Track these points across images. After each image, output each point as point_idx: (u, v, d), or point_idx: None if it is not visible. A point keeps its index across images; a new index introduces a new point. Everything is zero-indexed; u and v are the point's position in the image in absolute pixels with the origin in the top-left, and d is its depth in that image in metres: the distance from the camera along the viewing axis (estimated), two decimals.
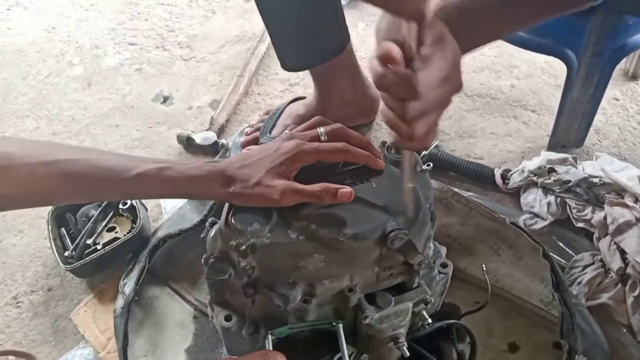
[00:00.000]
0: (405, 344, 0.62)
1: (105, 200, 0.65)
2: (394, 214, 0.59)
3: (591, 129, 1.08)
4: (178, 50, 1.41)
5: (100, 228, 0.95)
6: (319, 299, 0.60)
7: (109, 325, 0.87)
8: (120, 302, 0.86)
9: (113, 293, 0.90)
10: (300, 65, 1.02)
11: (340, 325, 0.62)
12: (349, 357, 0.61)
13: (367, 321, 0.60)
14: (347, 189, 0.58)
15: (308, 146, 0.60)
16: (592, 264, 0.89)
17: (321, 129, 0.63)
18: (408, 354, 0.62)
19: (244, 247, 0.56)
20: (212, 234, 0.62)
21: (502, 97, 1.22)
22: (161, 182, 0.59)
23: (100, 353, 0.86)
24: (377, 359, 0.67)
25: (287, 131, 0.66)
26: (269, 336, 0.62)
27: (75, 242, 0.93)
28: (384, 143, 0.73)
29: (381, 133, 1.16)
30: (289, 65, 1.01)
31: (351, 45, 1.01)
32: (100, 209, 0.97)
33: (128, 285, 0.88)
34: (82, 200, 0.63)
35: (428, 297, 0.64)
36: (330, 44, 0.98)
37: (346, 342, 0.62)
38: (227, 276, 0.58)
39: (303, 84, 1.28)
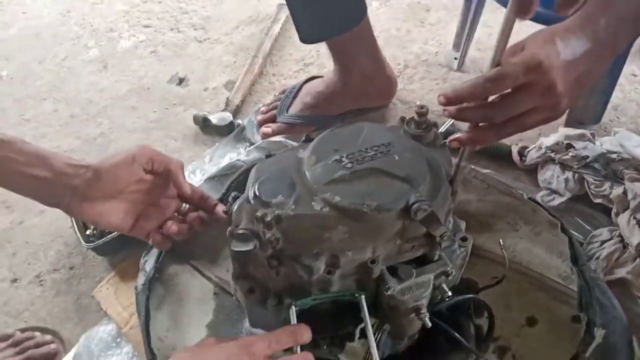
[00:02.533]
0: (427, 314, 0.62)
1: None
2: (417, 186, 0.59)
3: (609, 106, 1.07)
4: (192, 32, 1.41)
5: None
6: (342, 270, 0.61)
7: (131, 301, 0.88)
8: (141, 278, 0.87)
9: (134, 271, 0.91)
10: (319, 36, 1.01)
11: (363, 296, 0.63)
12: (372, 327, 0.62)
13: (389, 292, 0.61)
14: None
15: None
16: (611, 239, 0.90)
17: None
18: (430, 324, 0.62)
19: (269, 219, 0.56)
20: (236, 207, 0.62)
21: None
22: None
23: (123, 329, 0.88)
24: (399, 330, 0.68)
25: None
26: (293, 307, 0.63)
27: None
28: (403, 118, 0.73)
29: (396, 112, 1.16)
30: (307, 37, 1.01)
31: (369, 20, 1.01)
32: None
33: (149, 262, 0.88)
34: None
35: (449, 269, 0.64)
36: (349, 12, 0.97)
37: (368, 314, 0.62)
38: (252, 247, 0.59)
39: (317, 63, 1.28)
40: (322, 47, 1.29)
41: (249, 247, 0.59)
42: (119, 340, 0.87)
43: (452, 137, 0.61)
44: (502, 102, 0.57)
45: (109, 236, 0.92)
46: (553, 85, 0.55)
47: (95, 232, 0.94)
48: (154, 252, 0.89)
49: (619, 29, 0.58)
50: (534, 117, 0.58)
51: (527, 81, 0.54)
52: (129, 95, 1.27)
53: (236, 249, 0.60)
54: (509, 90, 0.56)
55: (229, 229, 0.62)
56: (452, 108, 0.57)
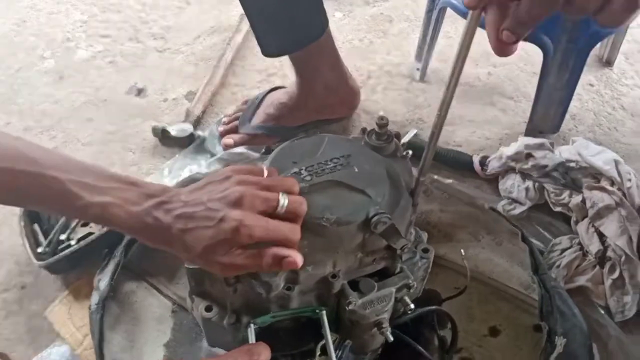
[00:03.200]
0: (389, 329, 0.61)
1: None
2: (376, 198, 0.58)
3: (567, 115, 1.09)
4: (152, 42, 1.38)
5: (74, 223, 0.93)
6: (302, 286, 0.59)
7: (84, 321, 0.85)
8: (95, 297, 0.84)
9: (88, 289, 0.88)
10: (281, 50, 1.01)
11: (324, 312, 0.61)
12: (333, 343, 0.60)
13: (350, 307, 0.60)
14: (293, 258, 0.52)
15: (253, 229, 0.51)
16: (570, 247, 0.91)
17: (283, 200, 0.53)
18: (392, 338, 0.61)
19: None
20: None
21: (480, 85, 1.23)
22: (102, 221, 0.55)
23: (77, 350, 0.84)
24: (361, 345, 0.66)
25: (236, 176, 0.55)
26: (252, 325, 0.61)
27: (49, 238, 0.91)
28: (364, 130, 0.72)
29: (359, 122, 1.16)
30: (269, 50, 1.00)
31: (330, 32, 1.00)
32: None
33: (103, 280, 0.86)
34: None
35: (411, 282, 0.64)
36: (310, 27, 0.97)
37: (329, 329, 0.61)
38: None
39: (280, 74, 1.27)
40: (285, 58, 1.28)
41: None
42: None
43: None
44: None
45: (61, 254, 0.88)
46: None
47: (47, 249, 0.89)
48: (109, 269, 0.86)
49: None
50: None
51: None
52: (85, 106, 1.23)
53: (190, 266, 0.58)
54: None
55: None
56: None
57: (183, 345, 0.83)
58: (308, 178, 0.59)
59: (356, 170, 0.61)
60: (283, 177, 0.58)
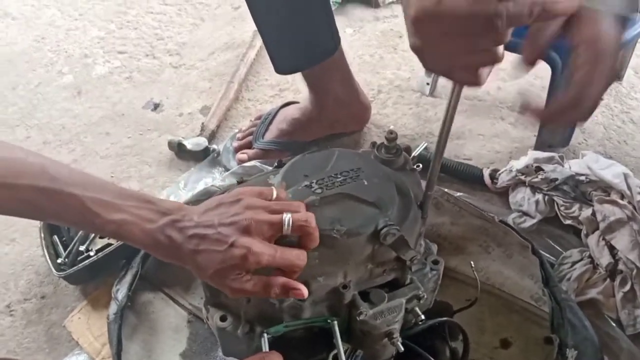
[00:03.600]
0: (400, 339, 0.63)
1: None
2: (386, 210, 0.60)
3: (577, 129, 1.10)
4: (167, 58, 1.42)
5: (93, 235, 0.95)
6: (313, 296, 0.61)
7: (103, 331, 0.87)
8: (113, 307, 0.86)
9: (107, 300, 0.90)
10: (294, 67, 1.03)
11: (335, 322, 0.63)
12: (345, 353, 0.62)
13: (361, 317, 0.61)
14: (300, 290, 0.55)
15: (261, 256, 0.53)
16: (581, 260, 0.91)
17: (287, 219, 0.54)
18: (402, 348, 0.62)
19: None
20: None
21: (489, 99, 1.24)
22: (118, 237, 0.59)
23: (96, 359, 0.86)
24: (372, 355, 0.68)
25: (246, 200, 0.57)
26: (265, 335, 0.62)
27: (68, 249, 0.93)
28: (373, 144, 0.74)
29: (370, 136, 1.18)
30: (281, 68, 1.02)
31: (342, 48, 1.03)
32: None
33: (120, 291, 0.87)
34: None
35: (421, 293, 0.65)
36: (322, 45, 0.99)
37: (341, 339, 0.62)
38: None
39: (293, 89, 1.29)
40: (297, 73, 1.31)
41: None
42: None
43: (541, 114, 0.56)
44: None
45: (80, 264, 0.90)
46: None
47: (66, 260, 0.92)
48: (127, 280, 0.88)
49: None
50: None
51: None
52: (102, 121, 1.27)
53: None
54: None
55: None
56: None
57: (199, 355, 0.85)
58: (319, 191, 0.61)
59: (366, 183, 0.62)
60: (290, 201, 0.60)
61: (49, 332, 0.91)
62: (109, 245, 0.93)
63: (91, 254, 0.92)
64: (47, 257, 0.92)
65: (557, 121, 0.60)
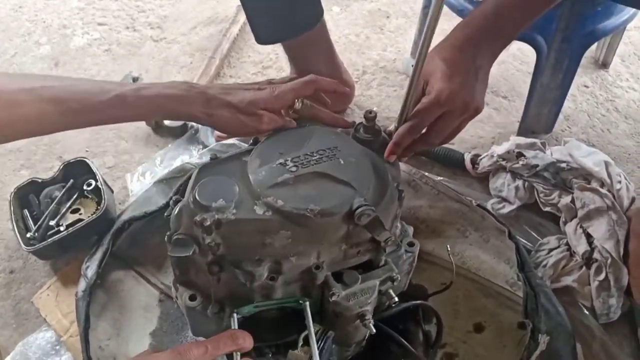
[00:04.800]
0: (372, 321, 0.62)
1: (83, 126, 0.66)
2: (361, 190, 0.58)
3: (560, 116, 1.09)
4: (148, 31, 1.38)
5: (64, 209, 0.93)
6: (285, 276, 0.59)
7: (71, 308, 0.85)
8: (82, 284, 0.84)
9: (76, 276, 0.87)
10: (275, 37, 1.00)
11: (307, 303, 0.61)
12: (316, 334, 0.61)
13: (333, 298, 0.60)
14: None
15: (284, 87, 0.65)
16: (558, 247, 0.91)
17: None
18: (374, 330, 0.62)
19: (208, 223, 0.54)
20: (176, 211, 0.60)
21: None
22: (140, 101, 0.60)
23: (63, 337, 0.84)
24: (344, 337, 0.67)
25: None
26: (235, 315, 0.61)
27: (38, 224, 0.91)
28: (352, 123, 0.73)
29: (353, 117, 1.16)
30: (262, 37, 0.99)
31: (325, 24, 1.00)
32: (64, 190, 0.95)
33: (90, 268, 0.85)
34: (64, 127, 0.64)
35: (395, 275, 0.64)
36: (305, 15, 0.96)
37: (312, 320, 0.61)
38: (191, 253, 0.57)
39: (276, 67, 1.27)
40: (281, 51, 1.28)
41: (187, 252, 0.57)
42: (58, 347, 0.84)
43: (387, 152, 0.70)
44: (432, 131, 0.71)
45: (50, 239, 0.88)
46: (465, 103, 0.69)
47: (36, 234, 0.90)
48: (97, 257, 0.86)
49: (496, 44, 0.72)
50: (462, 125, 0.73)
51: (445, 111, 0.69)
52: None
53: (174, 255, 0.58)
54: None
55: (168, 233, 0.60)
56: (399, 154, 0.71)
57: (169, 335, 0.83)
58: (293, 169, 0.60)
59: (342, 162, 0.61)
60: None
61: (17, 307, 0.89)
62: (80, 220, 0.91)
63: (61, 229, 0.90)
64: (17, 231, 0.90)
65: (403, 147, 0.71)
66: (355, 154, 0.63)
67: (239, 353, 0.57)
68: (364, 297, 0.62)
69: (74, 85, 0.62)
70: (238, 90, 0.65)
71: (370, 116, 0.68)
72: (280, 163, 0.60)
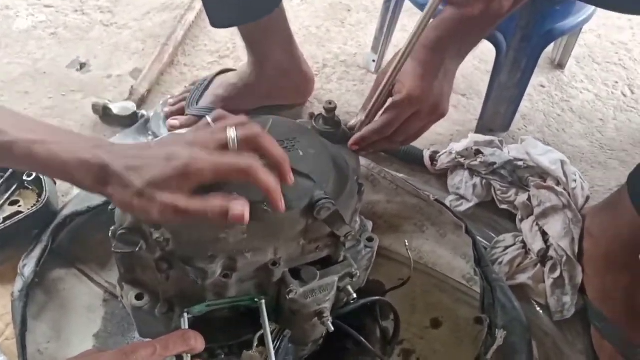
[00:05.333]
0: (330, 318, 0.59)
1: None
2: (321, 183, 0.56)
3: (517, 115, 1.11)
4: (98, 15, 1.31)
5: (2, 201, 0.87)
6: (240, 273, 0.56)
7: (7, 310, 0.79)
8: (18, 284, 0.78)
9: (12, 276, 0.81)
10: (230, 21, 0.96)
11: (263, 301, 0.59)
12: (272, 334, 0.58)
13: (291, 296, 0.57)
14: (239, 210, 0.47)
15: (204, 163, 0.47)
16: (514, 244, 0.91)
17: (231, 133, 0.48)
18: (332, 328, 0.59)
19: None
20: None
21: None
22: (28, 159, 0.49)
23: None
24: (301, 336, 0.64)
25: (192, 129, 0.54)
26: (185, 315, 0.58)
27: None
28: (311, 114, 0.70)
29: (312, 111, 1.13)
30: (217, 21, 0.95)
31: (285, 11, 0.97)
32: (2, 180, 0.88)
33: (28, 266, 0.80)
34: None
35: (354, 270, 0.62)
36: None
37: (269, 319, 0.58)
38: (137, 249, 0.53)
39: (233, 56, 1.23)
40: (239, 40, 1.24)
41: (133, 248, 0.53)
42: None
43: (352, 141, 0.69)
44: (399, 131, 0.72)
45: None
46: (435, 104, 0.71)
47: None
48: (35, 254, 0.81)
49: (464, 46, 0.74)
50: (428, 126, 0.75)
51: (415, 111, 0.70)
52: (22, 78, 1.15)
53: (119, 251, 0.54)
54: None
55: (112, 228, 0.56)
56: (362, 149, 0.71)
57: (114, 336, 0.79)
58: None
59: (301, 153, 0.58)
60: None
61: None
62: (18, 213, 0.84)
63: None
64: None
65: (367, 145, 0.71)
66: (314, 145, 0.60)
67: (189, 355, 0.54)
68: (323, 294, 0.60)
69: None
70: (145, 167, 0.48)
71: (330, 107, 0.66)
72: None
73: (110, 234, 0.56)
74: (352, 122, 0.72)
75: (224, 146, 0.48)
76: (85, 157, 0.48)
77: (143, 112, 1.06)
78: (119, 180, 0.47)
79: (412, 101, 0.69)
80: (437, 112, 0.73)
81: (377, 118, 0.72)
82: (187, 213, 0.47)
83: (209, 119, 0.53)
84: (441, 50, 0.70)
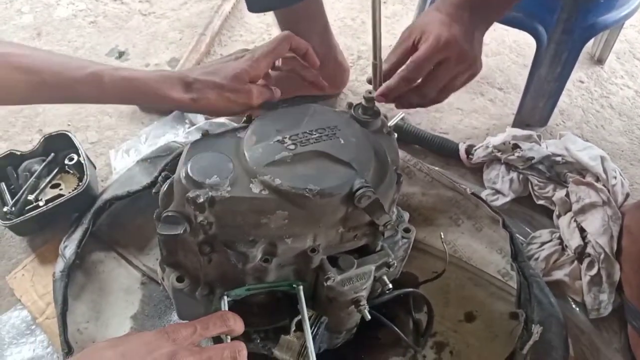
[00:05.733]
0: (367, 307, 0.60)
1: (56, 102, 0.64)
2: (362, 172, 0.56)
3: (555, 110, 1.08)
4: (137, 5, 1.33)
5: (44, 184, 0.89)
6: (280, 258, 0.57)
7: (48, 290, 0.81)
8: (60, 265, 0.80)
9: (54, 256, 0.84)
10: (267, 5, 0.96)
11: (301, 287, 0.59)
12: (309, 319, 0.58)
13: (328, 283, 0.58)
14: None
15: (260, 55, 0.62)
16: (550, 240, 0.90)
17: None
18: (369, 317, 0.60)
19: (201, 201, 0.51)
20: (165, 188, 0.57)
21: None
22: (117, 83, 0.56)
23: (39, 318, 0.80)
24: (337, 323, 0.65)
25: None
26: (225, 297, 0.58)
27: (16, 198, 0.87)
28: (350, 104, 0.70)
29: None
30: (254, 5, 0.95)
31: (322, 1, 0.97)
32: (44, 163, 0.91)
33: (69, 247, 0.82)
34: (34, 100, 0.61)
35: (391, 260, 0.62)
36: None
37: (305, 305, 0.59)
38: (181, 231, 0.54)
39: None
40: (274, 31, 1.25)
41: (177, 230, 0.54)
42: (33, 327, 0.80)
43: (379, 91, 0.69)
44: (429, 81, 0.69)
45: (28, 215, 0.84)
46: (463, 52, 0.67)
47: (13, 209, 0.85)
48: (76, 236, 0.83)
49: (490, 13, 0.72)
50: (459, 80, 0.71)
51: (443, 57, 0.67)
52: None
53: (163, 233, 0.55)
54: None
55: (157, 211, 0.57)
56: (390, 99, 0.69)
57: (151, 319, 0.81)
58: (292, 147, 0.57)
59: (342, 142, 0.58)
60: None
61: None
62: (60, 196, 0.87)
63: (40, 204, 0.86)
64: None
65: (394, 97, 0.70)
66: (356, 134, 0.60)
67: (228, 336, 0.55)
68: (359, 283, 0.60)
69: (50, 58, 0.58)
70: (218, 67, 0.61)
71: (370, 96, 0.66)
72: (278, 140, 0.57)
73: (154, 217, 0.57)
74: (391, 123, 0.72)
75: None
76: (164, 73, 0.58)
77: None
78: (204, 84, 0.57)
79: (439, 45, 0.66)
80: (468, 60, 0.69)
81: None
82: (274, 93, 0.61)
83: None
84: (468, 9, 0.69)
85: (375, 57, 0.70)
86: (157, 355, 0.48)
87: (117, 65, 0.59)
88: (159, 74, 0.59)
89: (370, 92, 0.67)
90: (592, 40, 1.20)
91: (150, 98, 0.59)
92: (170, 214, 0.55)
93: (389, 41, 1.27)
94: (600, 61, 1.25)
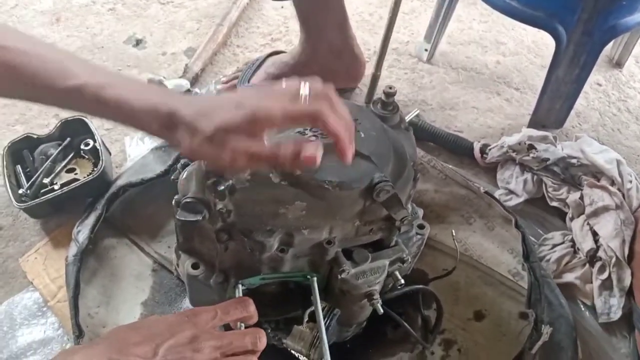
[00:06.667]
0: (380, 300, 0.60)
1: (35, 102, 0.56)
2: (381, 166, 0.56)
3: (572, 112, 1.08)
4: None
5: (59, 168, 0.90)
6: (296, 249, 0.57)
7: (60, 273, 0.82)
8: (73, 249, 0.81)
9: (67, 241, 0.84)
10: None
11: (315, 278, 0.59)
12: (322, 311, 0.59)
13: (343, 275, 0.58)
14: (311, 152, 0.46)
15: (273, 107, 0.46)
16: (562, 243, 0.90)
17: (304, 89, 0.47)
18: (382, 310, 0.60)
19: (222, 188, 0.52)
20: (185, 174, 0.58)
21: (487, 72, 1.21)
22: (100, 102, 0.49)
23: (50, 301, 0.81)
24: (349, 316, 0.65)
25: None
26: (239, 285, 0.59)
27: (31, 181, 0.87)
28: (369, 99, 0.70)
29: (362, 97, 1.13)
30: None
31: None
32: (60, 148, 0.91)
33: (82, 232, 0.83)
34: (12, 96, 0.54)
35: (405, 256, 0.62)
36: None
37: (319, 297, 0.59)
38: (201, 218, 0.54)
39: (285, 40, 1.23)
40: (291, 24, 1.25)
41: (196, 217, 0.54)
42: (44, 309, 0.81)
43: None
44: None
45: (43, 197, 0.84)
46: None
47: (28, 192, 0.86)
48: (89, 222, 0.84)
49: None
50: None
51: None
52: (80, 52, 1.18)
53: (182, 219, 0.55)
54: None
55: (176, 197, 0.57)
56: None
57: (162, 305, 0.81)
58: (312, 138, 0.57)
59: (362, 135, 0.58)
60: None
61: (4, 265, 0.86)
62: (75, 180, 0.87)
63: (55, 187, 0.86)
64: (8, 187, 0.86)
65: None
66: (376, 128, 0.60)
67: (243, 324, 0.55)
68: (373, 277, 0.60)
69: (37, 56, 0.50)
70: (214, 112, 0.47)
71: (390, 92, 0.66)
72: (299, 132, 0.57)
73: (173, 203, 0.57)
74: (407, 119, 0.71)
75: (295, 99, 0.47)
76: (154, 102, 0.48)
77: (196, 90, 1.08)
78: (188, 126, 0.47)
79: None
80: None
81: None
82: (259, 157, 0.46)
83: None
84: None
85: (376, 69, 0.67)
86: (179, 338, 0.48)
87: (111, 77, 0.51)
88: (150, 104, 0.49)
89: (390, 88, 0.67)
90: (611, 43, 1.19)
91: (133, 128, 0.52)
92: (189, 201, 0.55)
93: (406, 37, 1.28)
94: (619, 64, 1.24)
